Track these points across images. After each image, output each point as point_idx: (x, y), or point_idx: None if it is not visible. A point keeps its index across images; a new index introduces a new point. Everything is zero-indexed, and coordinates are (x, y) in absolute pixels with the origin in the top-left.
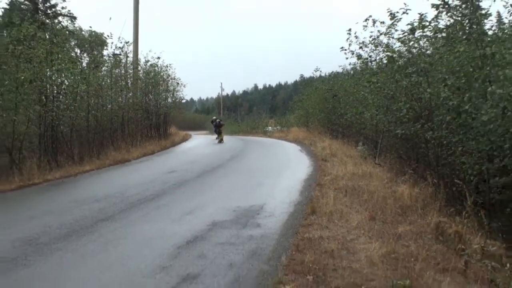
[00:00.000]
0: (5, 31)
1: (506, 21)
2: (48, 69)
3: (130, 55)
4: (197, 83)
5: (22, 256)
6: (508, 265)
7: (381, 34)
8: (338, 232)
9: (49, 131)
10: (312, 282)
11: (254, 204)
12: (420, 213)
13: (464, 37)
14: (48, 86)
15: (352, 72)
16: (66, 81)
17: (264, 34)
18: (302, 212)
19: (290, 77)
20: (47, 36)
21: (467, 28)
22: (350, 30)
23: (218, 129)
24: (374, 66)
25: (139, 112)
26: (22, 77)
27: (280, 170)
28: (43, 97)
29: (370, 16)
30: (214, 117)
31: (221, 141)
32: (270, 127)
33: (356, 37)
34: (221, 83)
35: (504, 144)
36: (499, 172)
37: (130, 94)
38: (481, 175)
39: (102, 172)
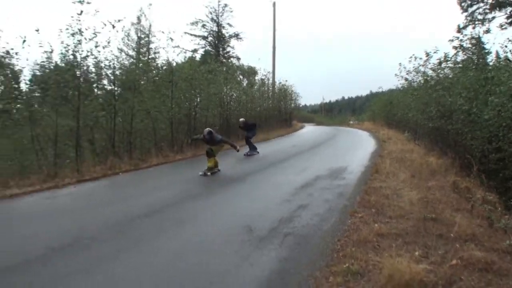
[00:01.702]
0: (201, 66)
1: (501, 56)
2: (224, 87)
3: (270, 79)
4: (305, 92)
5: (188, 199)
6: (499, 208)
7: (420, 65)
8: (391, 184)
9: (225, 122)
10: (375, 213)
11: (341, 166)
12: (443, 174)
13: (474, 66)
14: (224, 97)
15: (401, 88)
16: (234, 94)
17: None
18: (370, 171)
19: (364, 91)
20: (224, 69)
21: (475, 61)
22: (400, 63)
23: (209, 149)
24: (415, 84)
25: (275, 112)
26: (211, 92)
27: (356, 147)
28: (222, 103)
29: (413, 54)
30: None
31: (209, 171)
32: (351, 121)
33: (404, 67)
34: (323, 96)
35: (498, 133)
36: (495, 151)
37: (270, 102)
38: (483, 152)
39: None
